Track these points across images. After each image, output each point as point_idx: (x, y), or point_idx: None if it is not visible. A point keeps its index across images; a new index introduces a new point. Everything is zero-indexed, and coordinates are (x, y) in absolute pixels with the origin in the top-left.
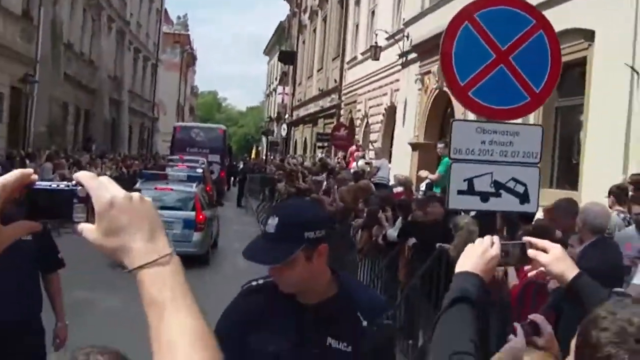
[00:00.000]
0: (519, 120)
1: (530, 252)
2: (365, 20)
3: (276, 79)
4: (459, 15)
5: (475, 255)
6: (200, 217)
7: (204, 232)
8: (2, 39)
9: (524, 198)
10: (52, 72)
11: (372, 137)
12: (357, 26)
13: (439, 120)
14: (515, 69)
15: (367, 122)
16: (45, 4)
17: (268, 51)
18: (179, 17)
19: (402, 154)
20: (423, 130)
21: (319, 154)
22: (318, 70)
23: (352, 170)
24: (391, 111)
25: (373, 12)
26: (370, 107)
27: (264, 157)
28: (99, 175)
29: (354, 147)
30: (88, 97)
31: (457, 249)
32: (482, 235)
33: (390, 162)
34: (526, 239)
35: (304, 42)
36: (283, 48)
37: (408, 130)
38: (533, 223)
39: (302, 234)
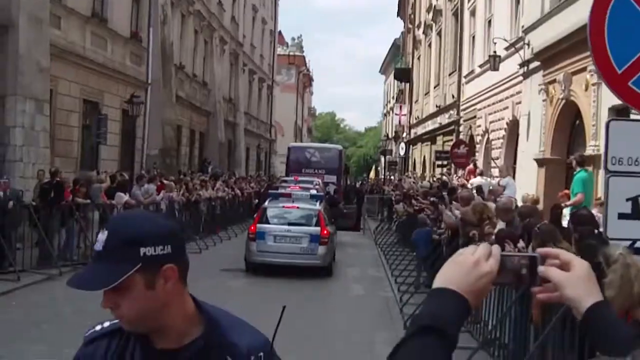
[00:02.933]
0: None
1: (540, 269)
2: (482, 31)
3: (393, 97)
4: None
5: (464, 268)
6: (325, 232)
7: (328, 246)
8: (112, 61)
9: None
10: (163, 94)
11: (494, 153)
12: (473, 37)
13: (566, 133)
14: None
15: (488, 138)
16: (154, 25)
17: (384, 70)
18: (293, 39)
19: (527, 171)
20: (550, 144)
21: (439, 173)
22: (435, 87)
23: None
24: (514, 125)
25: (489, 22)
26: (490, 122)
27: (382, 177)
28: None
29: (471, 166)
30: (202, 119)
31: (613, 288)
32: None
33: (514, 180)
34: (541, 250)
35: (419, 58)
36: (398, 66)
37: (533, 145)
38: None
39: (136, 251)
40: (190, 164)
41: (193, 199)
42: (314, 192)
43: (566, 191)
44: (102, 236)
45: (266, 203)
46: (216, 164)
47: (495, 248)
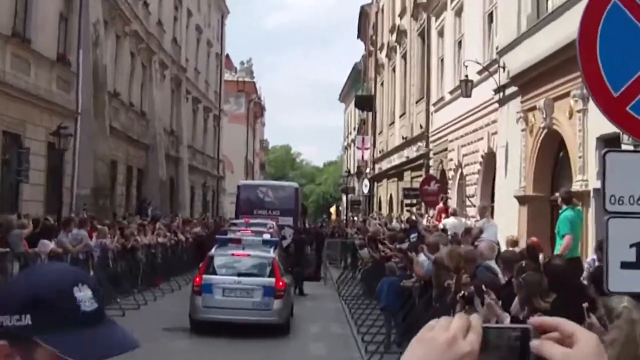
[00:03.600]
0: None
1: (535, 345)
2: (452, 53)
3: (354, 128)
4: None
5: (436, 349)
6: (280, 283)
7: (284, 300)
8: (36, 87)
9: None
10: (95, 125)
11: (469, 190)
12: (442, 61)
13: (549, 166)
14: None
15: (462, 173)
16: (84, 47)
17: (343, 98)
18: (242, 63)
19: (507, 210)
20: (531, 179)
21: (407, 212)
22: (401, 116)
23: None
24: (490, 159)
25: (460, 43)
26: (464, 155)
27: (344, 219)
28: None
29: (441, 205)
30: (141, 153)
31: (615, 346)
32: None
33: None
34: (534, 320)
35: (382, 84)
36: (359, 93)
37: (512, 180)
38: None
39: None
40: (127, 205)
41: (129, 245)
42: (267, 236)
43: (533, 239)
44: None
45: (213, 250)
46: (157, 205)
47: (476, 319)
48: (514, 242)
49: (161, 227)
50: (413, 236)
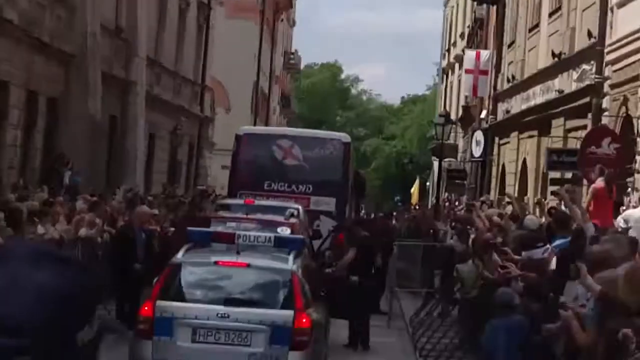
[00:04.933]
0: None
1: None
2: None
3: (461, 36)
4: None
5: None
6: (304, 320)
7: (308, 352)
8: None
9: None
10: None
11: None
12: None
13: None
14: None
15: None
16: None
17: None
18: None
19: None
20: None
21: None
22: (551, 14)
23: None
24: None
25: None
26: None
27: (434, 202)
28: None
29: (600, 184)
30: (57, 70)
31: None
32: None
33: None
34: None
35: None
36: None
37: None
38: None
39: None
40: (23, 165)
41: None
42: (284, 231)
43: None
44: None
45: (180, 255)
46: (81, 168)
47: None
48: None
49: (83, 207)
50: (559, 243)
